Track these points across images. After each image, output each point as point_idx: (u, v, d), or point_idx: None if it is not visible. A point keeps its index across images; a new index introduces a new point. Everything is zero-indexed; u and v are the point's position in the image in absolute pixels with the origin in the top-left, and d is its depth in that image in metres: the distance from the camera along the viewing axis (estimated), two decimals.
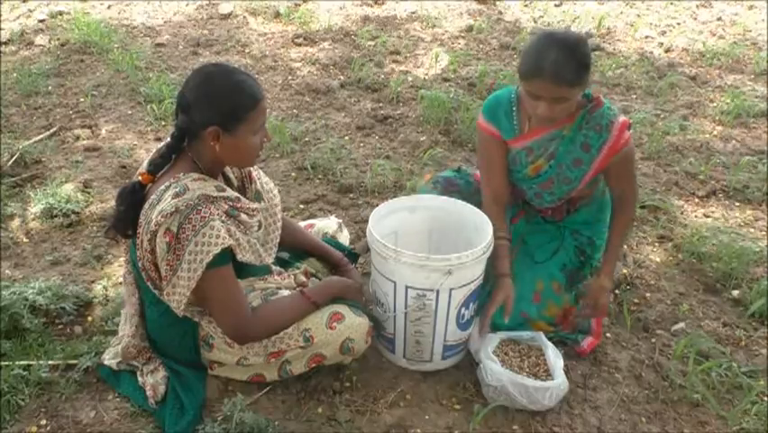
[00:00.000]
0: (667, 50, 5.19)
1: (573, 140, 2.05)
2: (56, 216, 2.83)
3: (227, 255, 1.73)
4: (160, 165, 1.79)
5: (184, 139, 1.76)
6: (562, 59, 1.84)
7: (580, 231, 2.23)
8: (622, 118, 2.05)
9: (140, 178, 1.79)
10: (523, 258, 2.17)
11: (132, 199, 1.76)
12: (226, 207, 1.76)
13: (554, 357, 1.95)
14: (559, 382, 1.86)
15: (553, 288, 2.16)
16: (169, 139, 1.79)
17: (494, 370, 1.87)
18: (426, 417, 1.89)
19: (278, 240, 2.02)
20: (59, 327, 2.19)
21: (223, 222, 1.72)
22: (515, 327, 2.08)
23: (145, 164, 1.82)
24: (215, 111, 1.70)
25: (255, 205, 1.87)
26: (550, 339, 2.11)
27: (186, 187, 1.70)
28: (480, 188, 2.22)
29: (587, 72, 1.90)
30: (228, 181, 1.92)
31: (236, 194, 1.81)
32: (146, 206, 1.74)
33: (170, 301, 1.76)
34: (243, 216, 1.81)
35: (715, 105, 4.19)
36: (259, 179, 2.01)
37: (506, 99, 2.11)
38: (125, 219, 1.77)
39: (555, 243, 2.23)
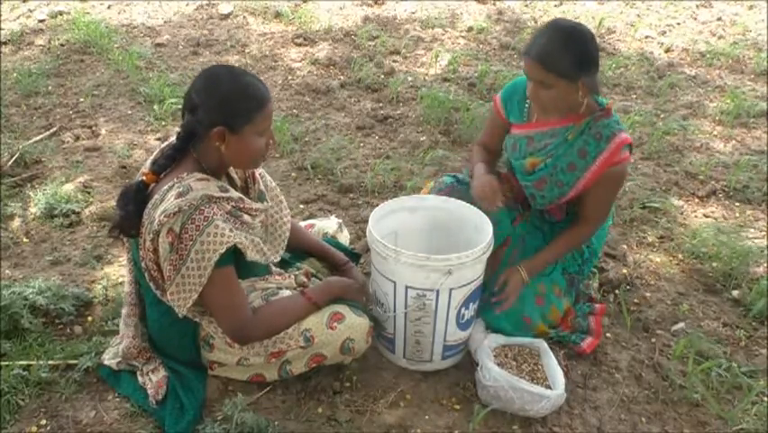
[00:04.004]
0: (667, 50, 5.19)
1: (573, 144, 2.05)
2: (56, 216, 2.83)
3: (231, 255, 1.74)
4: (163, 165, 1.78)
5: (190, 140, 1.76)
6: (551, 44, 1.89)
7: None
8: (624, 135, 2.02)
9: (143, 177, 1.79)
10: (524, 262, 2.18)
11: (138, 199, 1.76)
12: (229, 207, 1.76)
13: (555, 367, 1.94)
14: (559, 392, 1.86)
15: (554, 291, 2.16)
16: (174, 139, 1.79)
17: (492, 371, 1.87)
18: (426, 417, 1.89)
19: (286, 237, 2.02)
20: (59, 327, 2.19)
21: (226, 221, 1.72)
22: (516, 332, 2.08)
23: (148, 164, 1.83)
24: (223, 111, 1.70)
25: (258, 205, 1.87)
26: (550, 339, 2.12)
27: (189, 187, 1.70)
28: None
29: (575, 66, 1.89)
30: (232, 182, 1.92)
31: (239, 194, 1.81)
32: (149, 205, 1.74)
33: (174, 301, 1.76)
34: (246, 217, 1.81)
35: (715, 105, 4.19)
36: (263, 178, 2.02)
37: (522, 88, 2.13)
38: (132, 219, 1.77)
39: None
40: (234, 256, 1.76)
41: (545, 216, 2.26)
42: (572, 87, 1.92)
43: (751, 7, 6.18)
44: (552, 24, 1.97)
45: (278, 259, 1.99)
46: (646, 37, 5.46)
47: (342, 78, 4.55)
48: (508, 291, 2.06)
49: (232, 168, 1.93)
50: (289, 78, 4.54)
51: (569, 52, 1.88)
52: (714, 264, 2.59)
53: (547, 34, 1.91)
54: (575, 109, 2.02)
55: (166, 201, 1.69)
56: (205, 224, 1.67)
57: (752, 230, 2.88)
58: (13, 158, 3.26)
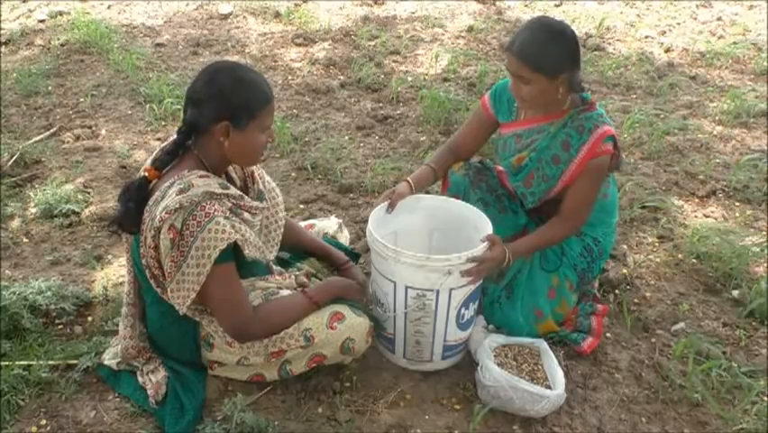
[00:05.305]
0: (667, 50, 5.18)
1: (556, 136, 2.07)
2: (56, 216, 2.83)
3: (231, 252, 1.74)
4: (165, 162, 1.79)
5: (191, 135, 1.77)
6: (532, 40, 1.93)
7: (584, 232, 2.22)
8: (607, 127, 2.03)
9: (145, 173, 1.79)
10: (536, 261, 2.18)
11: (140, 195, 1.77)
12: (230, 204, 1.77)
13: (555, 367, 1.94)
14: (559, 392, 1.86)
15: (567, 286, 2.17)
16: (175, 135, 1.79)
17: (493, 371, 1.87)
18: (426, 417, 1.89)
19: (279, 238, 2.02)
20: (59, 327, 2.19)
21: (227, 218, 1.72)
22: (526, 325, 2.09)
23: (149, 161, 1.83)
24: (228, 107, 1.71)
25: (258, 204, 1.87)
26: (550, 339, 2.12)
27: (190, 184, 1.70)
28: (503, 183, 2.30)
29: (554, 62, 1.92)
30: (231, 181, 1.92)
31: (239, 192, 1.81)
32: (150, 202, 1.75)
33: (174, 298, 1.76)
34: (246, 215, 1.81)
35: (715, 105, 4.18)
36: (261, 178, 2.02)
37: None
38: (132, 216, 1.77)
39: (561, 247, 2.22)
40: (235, 254, 1.76)
41: (543, 217, 2.26)
42: (551, 84, 1.95)
43: (751, 7, 6.18)
44: (534, 22, 2.02)
45: (273, 257, 1.99)
46: (646, 37, 5.46)
47: (342, 78, 4.55)
48: (486, 255, 1.92)
49: (231, 168, 1.93)
50: (289, 78, 4.54)
51: (549, 49, 1.92)
52: (714, 264, 2.59)
53: (529, 31, 1.95)
54: (556, 105, 2.05)
55: (167, 198, 1.69)
56: (206, 220, 1.67)
57: (752, 230, 2.88)
58: (13, 158, 3.26)
